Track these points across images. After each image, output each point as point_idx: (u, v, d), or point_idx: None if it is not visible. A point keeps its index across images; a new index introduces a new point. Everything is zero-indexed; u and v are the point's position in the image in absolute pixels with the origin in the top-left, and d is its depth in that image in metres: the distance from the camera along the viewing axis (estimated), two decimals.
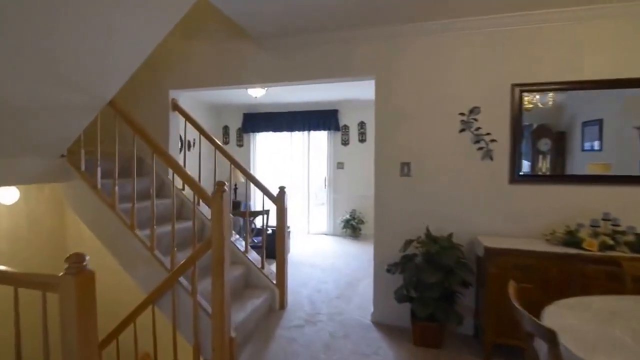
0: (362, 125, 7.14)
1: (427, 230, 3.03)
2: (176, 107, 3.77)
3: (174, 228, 2.67)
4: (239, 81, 3.62)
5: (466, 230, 3.12)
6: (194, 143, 6.81)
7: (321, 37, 3.34)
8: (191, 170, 3.76)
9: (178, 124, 3.92)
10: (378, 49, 3.29)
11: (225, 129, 7.82)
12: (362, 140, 7.16)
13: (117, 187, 2.79)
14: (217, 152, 3.73)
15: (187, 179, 2.61)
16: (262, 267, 3.59)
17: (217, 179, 3.65)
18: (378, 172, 3.34)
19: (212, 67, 3.66)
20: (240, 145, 7.73)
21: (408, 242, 2.99)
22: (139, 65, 2.46)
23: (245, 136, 7.69)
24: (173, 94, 3.78)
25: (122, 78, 2.51)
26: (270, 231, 5.07)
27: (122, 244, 2.73)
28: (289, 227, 5.90)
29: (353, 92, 6.31)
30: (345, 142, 7.26)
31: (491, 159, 3.08)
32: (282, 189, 3.61)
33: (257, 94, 5.66)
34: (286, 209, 3.63)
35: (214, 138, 3.80)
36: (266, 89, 5.65)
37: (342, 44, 3.35)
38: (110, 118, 2.85)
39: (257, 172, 7.65)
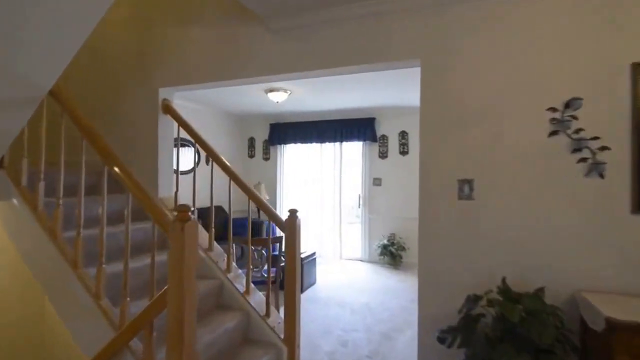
0: (403, 135, 6.17)
1: (503, 282, 2.02)
2: (168, 110, 3.06)
3: (126, 267, 1.88)
4: (244, 74, 2.84)
5: (561, 281, 2.07)
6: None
7: (347, 11, 2.49)
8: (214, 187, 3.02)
9: (171, 130, 3.19)
10: (424, 24, 2.38)
11: (251, 141, 7.15)
12: (404, 152, 6.17)
13: (60, 208, 2.05)
14: (222, 170, 2.98)
15: (143, 198, 1.81)
16: (267, 314, 2.72)
17: (221, 198, 2.89)
18: (424, 192, 2.39)
19: (209, 59, 2.91)
20: (267, 159, 7.01)
21: (472, 300, 1.99)
22: (79, 47, 1.74)
23: (272, 148, 6.97)
24: (164, 93, 3.07)
25: (61, 63, 1.79)
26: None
27: (61, 286, 1.97)
28: (314, 255, 5.02)
29: (393, 97, 5.40)
30: (383, 155, 6.31)
31: (601, 176, 2.04)
32: (293, 213, 2.74)
33: (279, 99, 4.91)
34: (298, 238, 2.75)
35: (213, 148, 3.05)
36: (289, 92, 4.90)
37: (375, 19, 2.47)
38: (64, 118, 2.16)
39: (285, 187, 6.88)
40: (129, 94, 3.14)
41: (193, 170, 3.07)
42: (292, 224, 2.67)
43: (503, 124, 2.22)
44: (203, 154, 6.11)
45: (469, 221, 2.27)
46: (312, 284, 4.98)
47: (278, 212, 6.83)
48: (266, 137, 6.94)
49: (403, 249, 5.92)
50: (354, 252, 6.51)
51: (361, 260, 6.37)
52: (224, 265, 2.85)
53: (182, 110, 3.17)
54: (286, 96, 4.93)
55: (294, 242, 2.68)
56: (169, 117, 3.10)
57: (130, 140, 3.04)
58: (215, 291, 2.73)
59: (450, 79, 2.33)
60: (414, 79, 2.52)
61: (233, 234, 2.90)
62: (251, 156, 7.14)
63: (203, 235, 2.96)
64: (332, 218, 6.59)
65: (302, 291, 4.64)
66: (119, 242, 2.43)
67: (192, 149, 6.14)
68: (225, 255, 2.93)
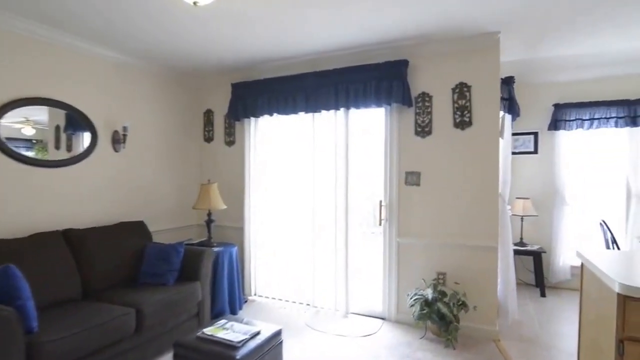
0: (461, 90, 3.33)
1: None
2: None
3: None
4: None
5: None
6: (124, 135, 3.58)
7: None
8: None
9: None
10: None
11: (208, 116, 4.52)
12: (463, 123, 3.33)
13: None
14: None
15: None
16: None
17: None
18: None
19: None
20: (231, 142, 4.35)
21: None
22: None
23: (237, 126, 4.31)
24: None
25: None
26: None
27: None
28: (277, 335, 2.25)
29: (444, 15, 2.61)
30: (423, 130, 3.49)
31: None
32: None
33: None
34: None
35: None
36: None
37: None
38: None
39: (254, 189, 4.21)
40: None
41: None
42: None
43: None
44: (105, 135, 3.44)
45: None
46: None
47: (245, 228, 4.17)
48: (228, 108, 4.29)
49: (463, 305, 3.09)
50: (368, 304, 3.72)
51: (382, 319, 3.58)
52: None
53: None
54: None
55: None
56: None
57: None
58: None
59: None
60: None
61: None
62: (208, 139, 4.51)
63: None
64: (332, 243, 3.83)
65: None
66: None
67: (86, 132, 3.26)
68: None
